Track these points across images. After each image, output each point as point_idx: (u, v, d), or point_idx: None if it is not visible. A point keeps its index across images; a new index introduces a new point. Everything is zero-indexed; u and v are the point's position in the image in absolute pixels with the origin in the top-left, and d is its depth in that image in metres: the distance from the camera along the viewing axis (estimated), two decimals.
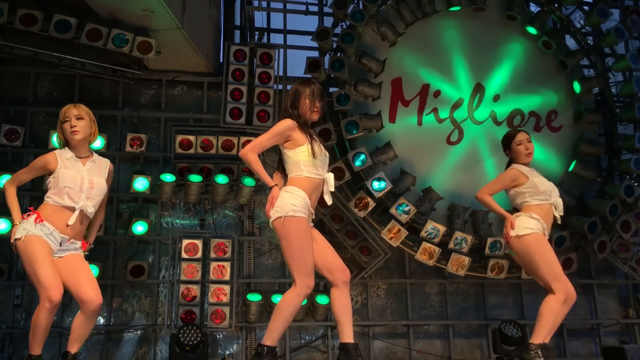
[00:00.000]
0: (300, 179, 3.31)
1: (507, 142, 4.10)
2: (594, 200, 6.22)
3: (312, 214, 3.37)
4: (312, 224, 3.41)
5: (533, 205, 3.93)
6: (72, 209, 3.32)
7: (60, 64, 5.28)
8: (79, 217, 3.34)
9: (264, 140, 3.36)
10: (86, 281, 3.28)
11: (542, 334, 3.69)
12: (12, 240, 3.27)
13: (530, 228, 3.83)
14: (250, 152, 3.30)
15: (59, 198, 3.33)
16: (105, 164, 3.57)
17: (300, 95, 3.40)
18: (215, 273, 5.28)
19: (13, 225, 3.38)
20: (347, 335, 3.30)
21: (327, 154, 3.46)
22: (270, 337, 3.27)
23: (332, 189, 3.43)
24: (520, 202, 4.00)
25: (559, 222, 4.00)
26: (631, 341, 6.22)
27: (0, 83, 5.63)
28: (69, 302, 5.27)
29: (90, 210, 3.38)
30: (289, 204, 3.20)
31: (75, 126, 3.37)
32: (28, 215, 3.29)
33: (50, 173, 3.38)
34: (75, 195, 3.33)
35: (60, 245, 3.31)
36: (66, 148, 3.47)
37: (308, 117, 3.42)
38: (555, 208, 3.96)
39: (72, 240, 3.35)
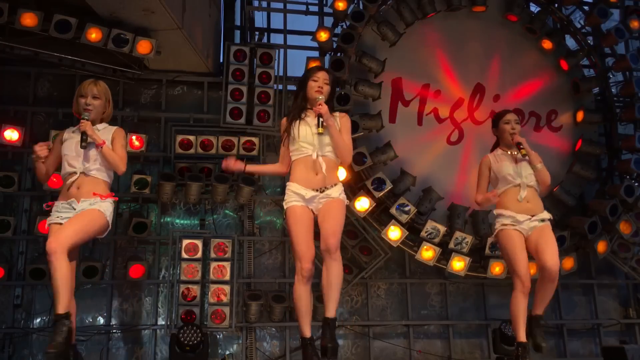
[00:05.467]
0: (292, 165, 3.53)
1: (496, 120, 4.12)
2: (594, 200, 6.22)
3: (317, 189, 3.41)
4: (318, 194, 3.41)
5: (501, 195, 3.94)
6: (75, 174, 3.36)
7: (60, 64, 5.29)
8: (86, 180, 3.35)
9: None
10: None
11: (516, 332, 3.79)
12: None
13: (498, 221, 3.92)
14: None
15: (63, 170, 3.41)
16: (110, 130, 3.52)
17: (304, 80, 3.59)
18: (216, 273, 5.28)
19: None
20: (327, 309, 3.35)
21: (327, 126, 3.41)
22: (300, 329, 3.46)
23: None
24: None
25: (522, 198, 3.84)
26: (631, 341, 6.21)
27: (0, 83, 5.63)
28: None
29: (91, 171, 3.37)
30: (284, 199, 3.50)
31: (89, 104, 3.42)
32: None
33: None
34: (73, 160, 3.37)
35: (75, 209, 3.31)
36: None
37: (311, 97, 3.51)
38: (523, 185, 3.86)
39: (83, 199, 3.33)
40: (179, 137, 5.55)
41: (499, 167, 3.94)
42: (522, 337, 3.74)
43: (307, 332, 3.42)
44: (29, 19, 4.76)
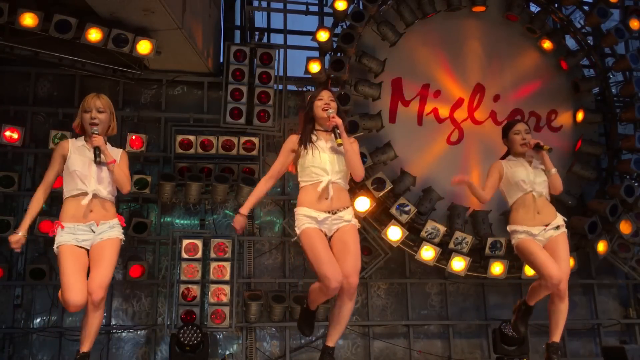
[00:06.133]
0: (300, 191, 3.43)
1: (506, 130, 4.09)
2: (594, 200, 6.22)
3: (328, 211, 3.33)
4: (331, 216, 3.34)
5: (512, 207, 3.91)
6: (85, 193, 3.29)
7: (60, 64, 5.29)
8: (96, 201, 3.32)
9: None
10: (94, 274, 3.30)
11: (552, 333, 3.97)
12: (15, 247, 3.27)
13: (514, 237, 3.88)
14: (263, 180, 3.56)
15: (71, 185, 3.33)
16: (117, 152, 3.50)
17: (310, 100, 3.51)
18: (216, 273, 5.28)
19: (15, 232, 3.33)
20: (329, 338, 3.42)
21: (338, 150, 3.37)
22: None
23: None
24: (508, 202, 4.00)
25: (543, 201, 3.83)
26: (631, 341, 6.22)
27: (0, 83, 5.63)
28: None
29: (104, 193, 3.33)
30: (296, 224, 3.37)
31: (95, 118, 3.38)
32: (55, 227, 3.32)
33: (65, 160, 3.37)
34: (85, 178, 3.31)
35: (95, 232, 3.29)
36: (80, 137, 3.46)
37: (319, 115, 3.44)
38: (536, 192, 3.83)
39: (102, 221, 3.31)
40: (179, 137, 5.55)
41: (513, 173, 3.89)
42: (554, 337, 3.90)
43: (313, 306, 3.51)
44: (29, 19, 4.75)
